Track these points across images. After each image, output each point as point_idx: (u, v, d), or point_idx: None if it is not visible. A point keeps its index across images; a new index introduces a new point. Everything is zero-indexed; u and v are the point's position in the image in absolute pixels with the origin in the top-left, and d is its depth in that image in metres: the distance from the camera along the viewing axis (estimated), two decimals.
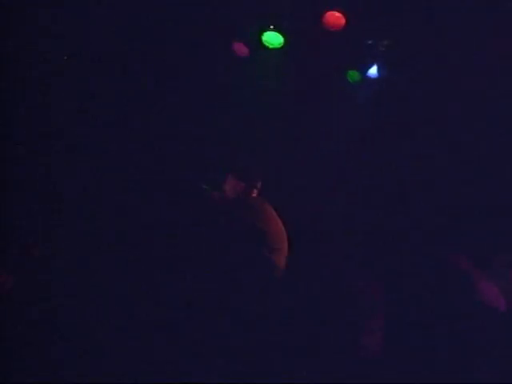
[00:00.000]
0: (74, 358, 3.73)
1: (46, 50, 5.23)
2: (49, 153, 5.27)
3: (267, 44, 5.51)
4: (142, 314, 4.03)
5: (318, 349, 3.66)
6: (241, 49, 5.57)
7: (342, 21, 5.16)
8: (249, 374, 3.63)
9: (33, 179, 5.10)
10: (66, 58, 5.37)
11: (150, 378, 3.63)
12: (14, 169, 5.00)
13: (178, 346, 3.84)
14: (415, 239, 4.78)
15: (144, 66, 5.49)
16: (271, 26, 5.41)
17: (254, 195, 4.28)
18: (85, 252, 4.44)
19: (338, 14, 5.17)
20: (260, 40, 5.49)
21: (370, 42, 5.53)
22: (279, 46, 5.48)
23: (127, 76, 5.49)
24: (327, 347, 3.62)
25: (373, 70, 5.66)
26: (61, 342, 3.81)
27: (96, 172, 5.32)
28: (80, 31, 5.25)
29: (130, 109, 5.52)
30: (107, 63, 5.35)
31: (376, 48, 5.51)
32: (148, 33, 5.39)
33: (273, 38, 5.47)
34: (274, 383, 3.58)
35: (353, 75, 5.69)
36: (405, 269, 4.00)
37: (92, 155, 5.39)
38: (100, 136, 5.44)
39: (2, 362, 3.62)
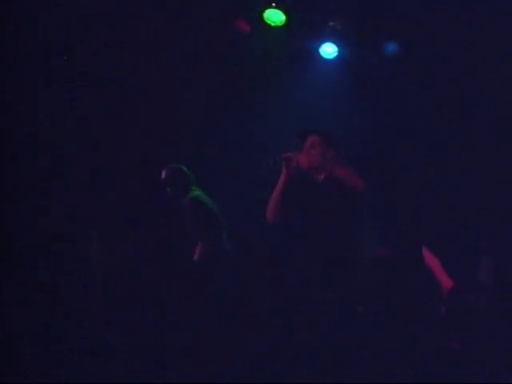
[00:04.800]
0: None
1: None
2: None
3: (269, 21, 5.48)
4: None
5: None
6: (243, 26, 5.55)
7: None
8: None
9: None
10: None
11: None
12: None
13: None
14: None
15: (144, 44, 5.48)
16: (273, 4, 5.38)
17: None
18: None
19: None
20: (261, 17, 5.46)
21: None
22: (281, 24, 5.46)
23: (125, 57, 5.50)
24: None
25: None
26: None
27: None
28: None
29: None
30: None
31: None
32: (148, 10, 5.38)
33: (274, 16, 5.44)
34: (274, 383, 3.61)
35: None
36: None
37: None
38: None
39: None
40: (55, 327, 4.04)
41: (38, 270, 4.53)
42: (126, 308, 4.31)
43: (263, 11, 5.42)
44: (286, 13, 5.37)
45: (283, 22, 5.43)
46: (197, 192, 4.70)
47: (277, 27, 5.46)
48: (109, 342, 4.03)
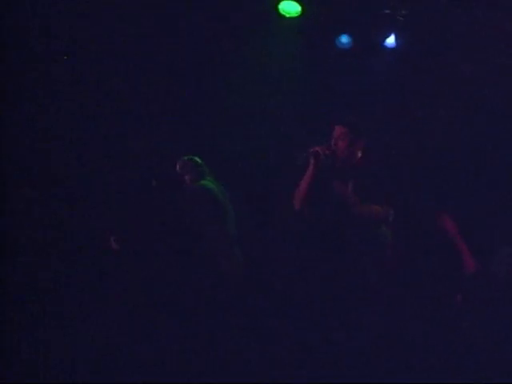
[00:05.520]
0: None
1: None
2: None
3: (284, 13, 5.40)
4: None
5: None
6: None
7: None
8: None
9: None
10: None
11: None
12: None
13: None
14: None
15: (156, 44, 5.43)
16: None
17: None
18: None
19: None
20: (276, 9, 5.37)
21: (388, 11, 5.44)
22: (296, 15, 5.38)
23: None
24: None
25: (390, 40, 5.60)
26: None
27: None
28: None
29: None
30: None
31: (394, 17, 5.43)
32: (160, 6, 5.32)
33: (290, 7, 5.36)
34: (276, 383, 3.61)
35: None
36: None
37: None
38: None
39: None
40: (56, 328, 4.02)
41: (39, 272, 4.52)
42: (129, 307, 4.28)
43: (278, 2, 5.35)
44: (301, 4, 5.31)
45: (299, 13, 5.37)
46: (205, 182, 4.67)
47: (292, 18, 5.40)
48: (108, 342, 4.00)
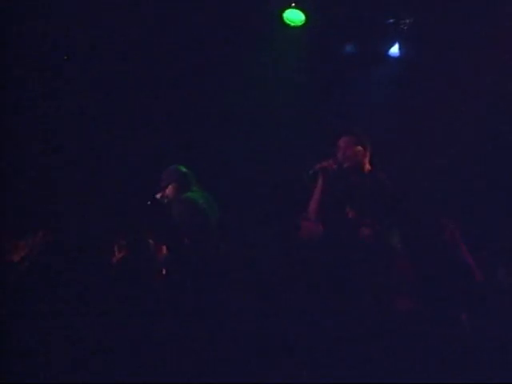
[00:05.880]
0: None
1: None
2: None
3: (288, 22, 5.42)
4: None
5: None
6: None
7: None
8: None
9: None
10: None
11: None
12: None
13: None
14: None
15: (163, 46, 5.45)
16: (293, 4, 5.33)
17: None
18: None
19: None
20: (281, 17, 5.40)
21: (391, 20, 5.46)
22: (300, 24, 5.39)
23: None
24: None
25: (394, 49, 5.61)
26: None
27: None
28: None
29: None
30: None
31: (398, 27, 5.45)
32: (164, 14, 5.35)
33: (294, 16, 5.38)
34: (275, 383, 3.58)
35: None
36: None
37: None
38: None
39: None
40: (56, 328, 4.01)
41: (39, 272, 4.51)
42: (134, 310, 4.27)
43: (283, 11, 5.37)
44: (305, 12, 5.33)
45: (303, 22, 5.38)
46: (191, 193, 4.63)
47: (296, 27, 5.42)
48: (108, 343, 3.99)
